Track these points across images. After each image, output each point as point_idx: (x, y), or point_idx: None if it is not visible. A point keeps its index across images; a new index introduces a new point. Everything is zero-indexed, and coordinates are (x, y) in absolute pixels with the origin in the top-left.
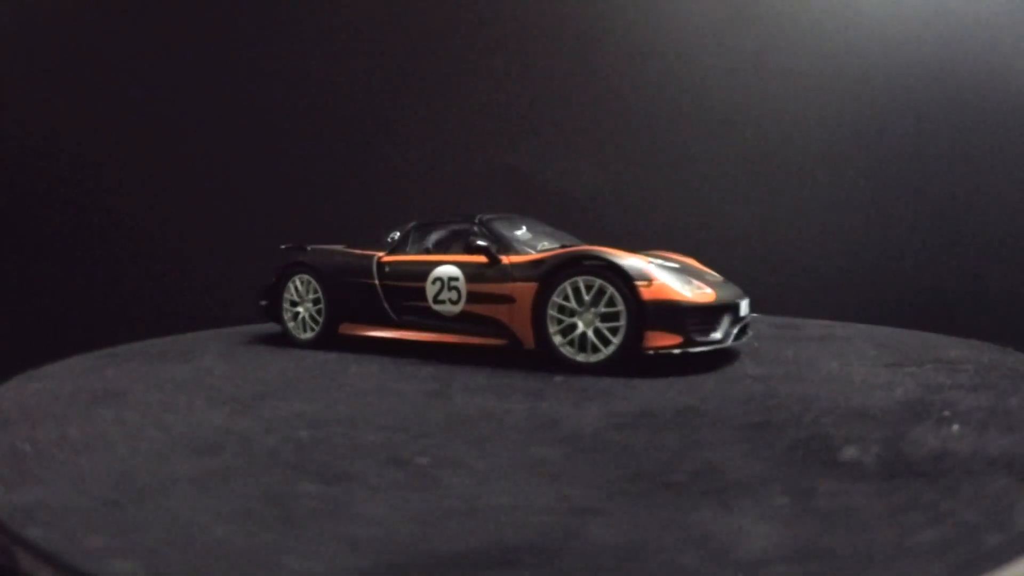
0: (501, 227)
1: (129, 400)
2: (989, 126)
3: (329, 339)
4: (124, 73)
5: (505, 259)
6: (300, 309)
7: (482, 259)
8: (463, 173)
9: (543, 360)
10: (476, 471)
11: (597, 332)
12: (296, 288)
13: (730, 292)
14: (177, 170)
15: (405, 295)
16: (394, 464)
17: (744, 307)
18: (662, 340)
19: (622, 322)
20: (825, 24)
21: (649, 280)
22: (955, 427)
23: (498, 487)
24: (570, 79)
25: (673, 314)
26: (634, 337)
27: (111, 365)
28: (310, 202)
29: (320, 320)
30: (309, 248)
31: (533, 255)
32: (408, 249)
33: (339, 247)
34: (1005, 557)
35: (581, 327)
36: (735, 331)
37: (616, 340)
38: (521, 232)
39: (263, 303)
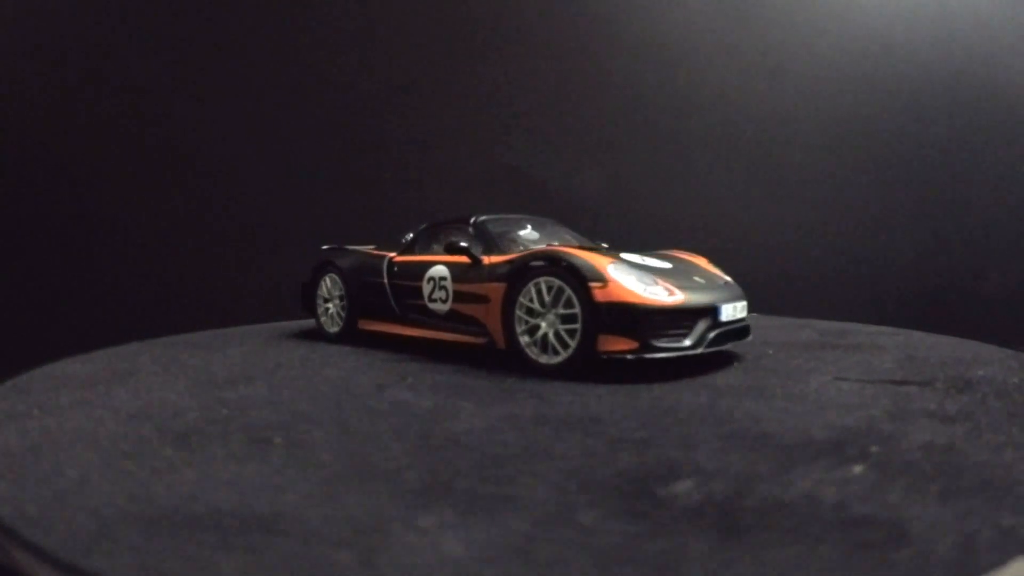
0: (494, 227)
1: (134, 378)
2: (990, 126)
3: (352, 334)
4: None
5: (486, 259)
6: (330, 305)
7: (469, 259)
8: (464, 173)
9: (515, 361)
10: (304, 454)
11: (557, 334)
12: (327, 286)
13: (715, 295)
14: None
15: (408, 294)
16: (251, 441)
17: (729, 311)
18: (616, 344)
19: (578, 324)
20: (826, 25)
21: (604, 281)
22: (857, 468)
23: (298, 465)
24: (572, 79)
25: (628, 317)
26: (589, 340)
27: (144, 353)
28: (310, 202)
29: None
30: (346, 248)
31: (509, 255)
32: (417, 249)
33: (366, 248)
34: (1005, 557)
35: (544, 328)
36: (711, 336)
37: (573, 343)
38: (526, 232)
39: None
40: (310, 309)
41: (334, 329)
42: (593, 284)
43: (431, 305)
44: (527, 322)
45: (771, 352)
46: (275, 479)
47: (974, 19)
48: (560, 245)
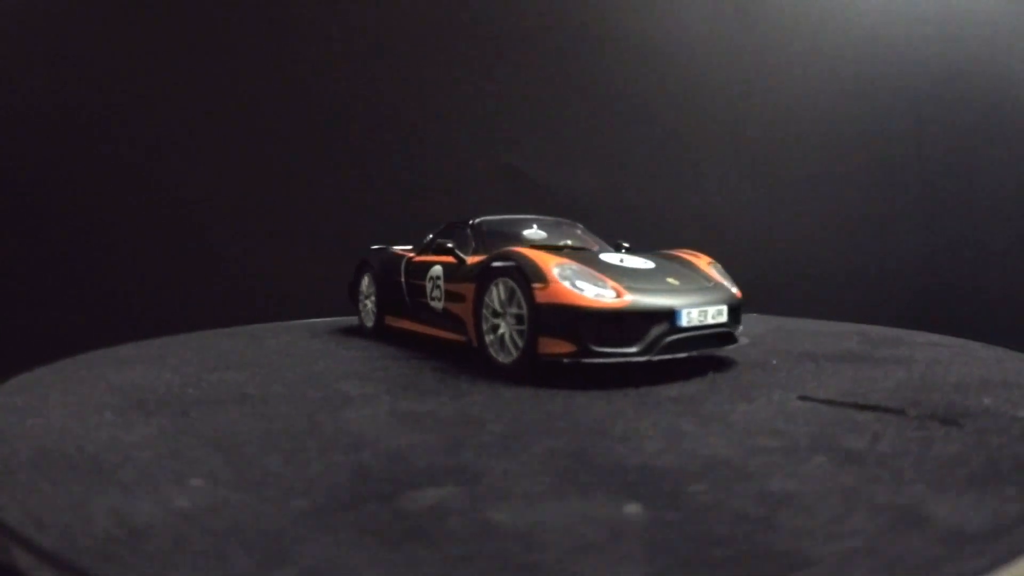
0: (492, 228)
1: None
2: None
3: (381, 329)
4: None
5: (469, 260)
6: (368, 302)
7: (460, 259)
8: (465, 173)
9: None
10: (192, 425)
11: (512, 334)
12: (365, 284)
13: (679, 299)
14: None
15: (417, 292)
16: (173, 414)
17: (694, 316)
18: (554, 347)
19: (525, 325)
20: (826, 27)
21: (545, 282)
22: (630, 508)
23: (178, 431)
24: (573, 79)
25: (565, 319)
26: (532, 342)
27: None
28: (311, 203)
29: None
30: (383, 248)
31: (483, 256)
32: (431, 249)
33: (399, 248)
34: (1005, 557)
35: (503, 328)
36: (667, 342)
37: (521, 344)
38: (531, 232)
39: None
40: (355, 305)
41: (369, 324)
42: (535, 285)
43: (431, 303)
44: (490, 321)
45: (775, 362)
46: (156, 440)
47: (976, 21)
48: (520, 247)
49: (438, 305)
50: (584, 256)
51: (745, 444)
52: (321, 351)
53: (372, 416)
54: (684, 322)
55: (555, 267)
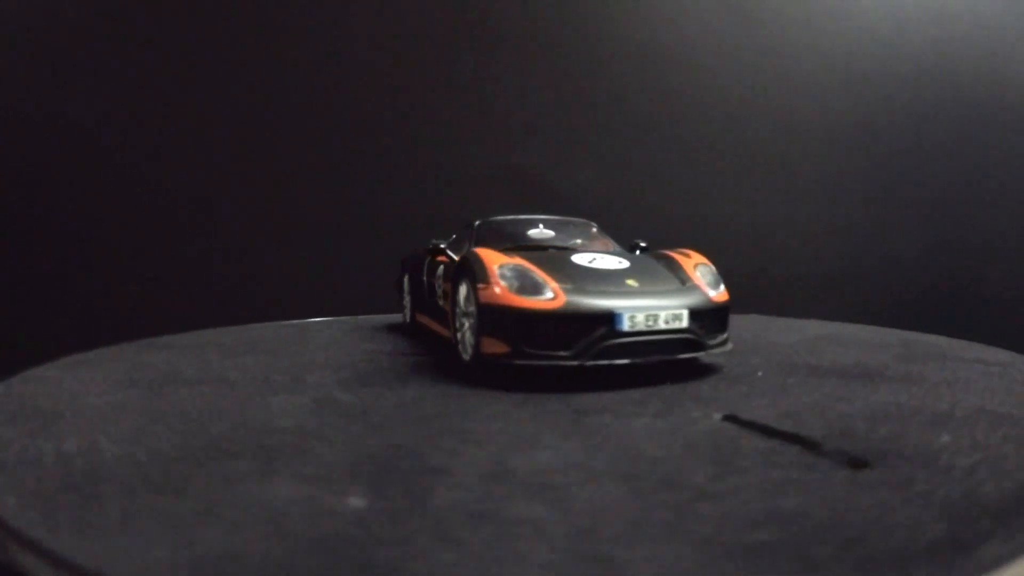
0: (491, 228)
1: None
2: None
3: (415, 325)
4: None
5: (457, 259)
6: (407, 298)
7: (451, 259)
8: (466, 174)
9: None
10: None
11: (467, 333)
12: (405, 281)
13: (626, 301)
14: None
15: (431, 290)
16: (153, 396)
17: (639, 320)
18: (493, 347)
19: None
20: (825, 26)
21: (488, 282)
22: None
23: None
24: (574, 79)
25: (501, 319)
26: (477, 341)
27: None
28: (312, 203)
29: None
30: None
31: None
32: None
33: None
34: (1005, 557)
35: (466, 326)
36: (604, 346)
37: (472, 343)
38: (536, 231)
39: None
40: (402, 301)
41: (407, 320)
42: (479, 285)
43: (438, 301)
44: (460, 319)
45: (760, 374)
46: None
47: (976, 21)
48: (485, 247)
49: (440, 303)
50: (543, 256)
51: (571, 461)
52: (334, 343)
53: (291, 403)
54: (626, 326)
55: (497, 267)
